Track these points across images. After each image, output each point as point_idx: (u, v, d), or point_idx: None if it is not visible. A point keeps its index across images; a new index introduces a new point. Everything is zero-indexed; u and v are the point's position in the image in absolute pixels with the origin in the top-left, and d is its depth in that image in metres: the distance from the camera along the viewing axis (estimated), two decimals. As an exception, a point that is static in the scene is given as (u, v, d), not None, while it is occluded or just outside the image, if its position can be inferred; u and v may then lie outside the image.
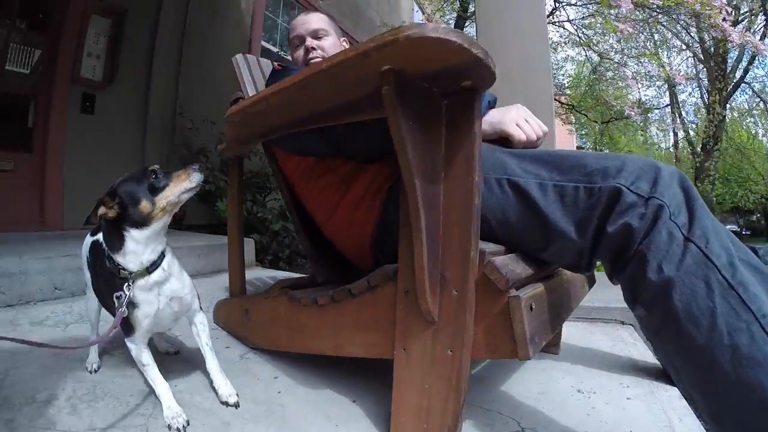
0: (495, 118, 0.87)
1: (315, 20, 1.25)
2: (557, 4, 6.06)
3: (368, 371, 1.06)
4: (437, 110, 0.68)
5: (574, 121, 8.40)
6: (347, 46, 1.32)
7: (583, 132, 16.08)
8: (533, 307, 0.63)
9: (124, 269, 0.77)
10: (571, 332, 1.55)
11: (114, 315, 0.78)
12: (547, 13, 6.19)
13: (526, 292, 0.64)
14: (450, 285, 0.66)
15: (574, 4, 5.99)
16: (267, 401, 0.94)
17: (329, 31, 1.26)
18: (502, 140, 0.86)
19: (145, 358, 0.83)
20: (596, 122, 8.44)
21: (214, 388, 0.92)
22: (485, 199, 0.74)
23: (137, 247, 0.77)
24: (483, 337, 0.66)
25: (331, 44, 1.25)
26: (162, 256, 0.82)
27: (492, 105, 0.92)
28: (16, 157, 2.69)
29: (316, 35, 1.23)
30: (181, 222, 3.19)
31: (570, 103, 8.03)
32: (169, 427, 0.78)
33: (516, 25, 2.11)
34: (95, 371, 1.00)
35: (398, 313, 0.75)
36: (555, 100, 8.18)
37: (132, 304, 0.78)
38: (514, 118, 0.87)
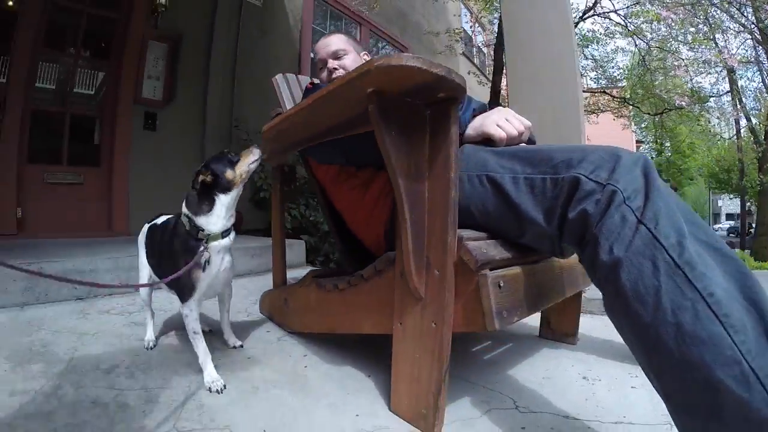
0: (478, 122, 0.97)
1: (335, 42, 1.39)
2: None
3: (386, 350, 1.19)
4: (422, 119, 0.80)
5: (629, 113, 7.95)
6: (368, 58, 1.46)
7: (643, 125, 15.07)
8: (501, 285, 0.73)
9: (203, 231, 0.99)
10: (593, 324, 1.58)
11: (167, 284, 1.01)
12: (591, 5, 6.00)
13: (496, 272, 0.74)
14: (433, 266, 0.78)
15: None
16: (294, 373, 1.09)
17: (348, 49, 1.39)
18: (487, 141, 0.95)
19: (197, 326, 1.03)
20: (648, 114, 7.93)
21: (224, 340, 1.26)
22: (469, 193, 0.85)
23: (222, 210, 1.01)
24: (462, 312, 0.76)
25: (352, 61, 1.38)
26: (232, 228, 1.05)
27: (479, 111, 1.01)
28: (86, 172, 3.10)
29: (336, 56, 1.37)
30: (239, 226, 3.49)
31: (621, 95, 7.63)
32: (210, 389, 0.96)
33: (541, 24, 2.14)
34: (151, 348, 1.19)
35: (396, 292, 0.87)
36: (606, 93, 7.84)
37: (198, 265, 0.99)
38: (494, 120, 0.96)
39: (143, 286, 1.23)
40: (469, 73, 7.42)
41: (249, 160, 1.05)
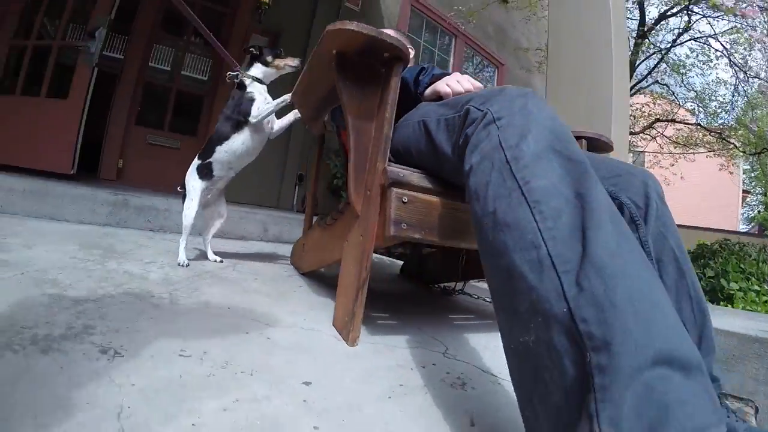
0: (433, 85, 1.15)
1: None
2: (689, 14, 5.48)
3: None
4: (376, 75, 1.01)
5: (727, 152, 7.09)
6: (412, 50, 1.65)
7: (753, 174, 13.10)
8: (405, 200, 0.90)
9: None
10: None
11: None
12: (684, 27, 5.65)
13: (402, 190, 0.91)
14: (366, 188, 0.97)
15: (708, 16, 5.35)
16: (283, 293, 1.33)
17: None
18: (440, 98, 1.12)
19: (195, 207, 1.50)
20: (743, 153, 6.98)
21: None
22: (410, 136, 1.02)
23: (263, 77, 1.60)
24: (380, 226, 0.94)
25: None
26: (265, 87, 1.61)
27: (439, 77, 1.17)
28: (183, 139, 3.75)
29: None
30: (314, 214, 3.89)
31: (717, 130, 6.90)
32: (178, 263, 1.40)
33: (582, 31, 2.21)
34: (186, 266, 1.46)
35: (348, 216, 1.08)
36: (700, 125, 7.17)
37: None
38: (445, 81, 1.12)
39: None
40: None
41: (287, 61, 1.60)
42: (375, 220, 0.95)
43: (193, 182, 1.53)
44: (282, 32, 3.97)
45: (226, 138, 1.51)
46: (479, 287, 2.03)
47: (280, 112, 1.60)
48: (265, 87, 1.59)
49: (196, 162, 1.57)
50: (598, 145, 1.66)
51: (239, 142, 1.52)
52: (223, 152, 1.52)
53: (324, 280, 1.60)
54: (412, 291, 1.83)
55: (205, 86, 3.93)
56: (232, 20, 3.81)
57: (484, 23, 5.62)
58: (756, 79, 5.84)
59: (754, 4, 3.69)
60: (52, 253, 1.33)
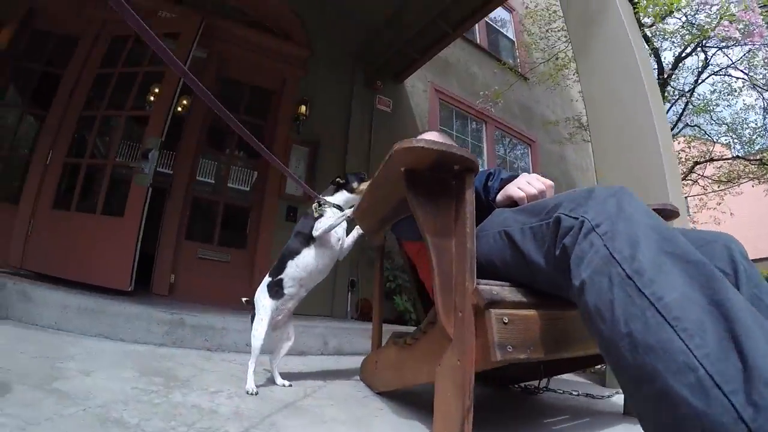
0: (504, 189, 1.12)
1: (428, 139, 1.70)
2: (704, 51, 5.52)
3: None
4: (448, 188, 0.99)
5: None
6: None
7: None
8: (506, 321, 0.82)
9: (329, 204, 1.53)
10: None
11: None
12: (703, 65, 5.67)
13: (501, 310, 0.84)
14: (457, 309, 0.91)
15: (723, 47, 5.37)
16: (362, 419, 1.22)
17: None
18: (513, 203, 1.08)
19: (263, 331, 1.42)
20: None
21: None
22: (492, 248, 0.98)
23: (344, 203, 1.55)
24: (480, 350, 0.86)
25: None
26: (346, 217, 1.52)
27: (508, 180, 1.15)
28: (233, 252, 3.80)
29: None
30: (368, 314, 3.81)
31: (757, 157, 6.64)
32: (247, 392, 1.31)
33: (617, 94, 2.20)
34: (254, 394, 1.36)
35: (437, 338, 1.00)
36: (739, 158, 6.92)
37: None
38: (516, 183, 1.09)
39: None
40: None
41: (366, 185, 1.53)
42: (472, 343, 0.87)
43: (264, 301, 1.48)
44: (320, 141, 4.16)
45: (297, 253, 1.49)
46: (561, 380, 1.85)
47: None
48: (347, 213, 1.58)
49: (266, 279, 1.53)
50: (665, 214, 1.57)
51: (310, 257, 1.49)
52: (294, 267, 1.48)
53: (402, 399, 1.47)
54: (491, 394, 1.68)
55: (250, 198, 4.06)
56: (272, 132, 4.03)
57: (509, 104, 5.81)
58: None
59: (761, 25, 3.72)
60: (112, 381, 1.28)
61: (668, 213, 1.57)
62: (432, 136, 1.72)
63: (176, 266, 3.49)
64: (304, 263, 1.49)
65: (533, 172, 1.15)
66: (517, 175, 1.17)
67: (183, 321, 2.08)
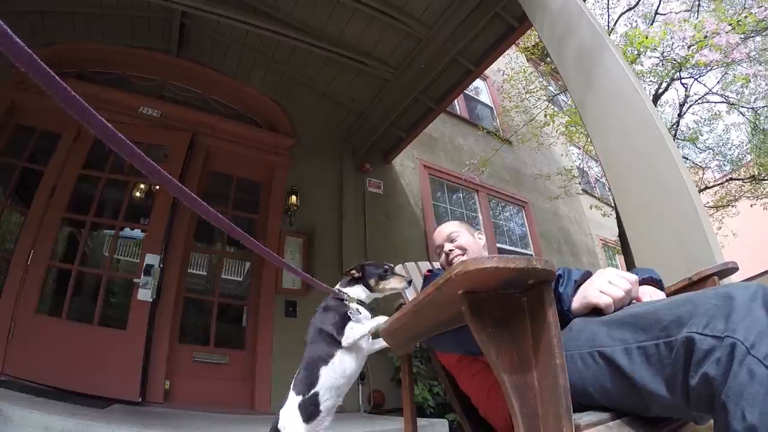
0: (581, 294, 0.92)
1: (447, 228, 1.56)
2: (682, 83, 5.76)
3: None
4: (519, 308, 0.79)
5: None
6: (482, 237, 1.63)
7: None
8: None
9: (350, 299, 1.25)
10: None
11: None
12: (684, 98, 5.86)
13: None
14: (557, 463, 0.67)
15: (698, 77, 5.61)
16: None
17: (461, 231, 1.54)
18: (595, 310, 0.89)
19: None
20: None
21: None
22: (583, 372, 0.78)
23: (360, 292, 1.29)
24: None
25: (466, 240, 1.52)
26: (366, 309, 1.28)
27: (581, 281, 0.96)
28: (231, 353, 3.47)
29: (450, 239, 1.52)
30: (380, 406, 3.54)
31: (750, 174, 6.78)
32: None
33: (637, 151, 2.09)
34: None
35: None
36: (733, 179, 7.03)
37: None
38: (597, 287, 0.89)
39: None
40: (591, 208, 7.29)
41: (393, 285, 1.29)
42: None
43: (297, 429, 1.13)
44: (314, 230, 4.03)
45: (331, 356, 1.19)
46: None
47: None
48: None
49: (295, 399, 1.17)
50: (727, 273, 1.41)
51: (349, 359, 1.21)
52: (331, 375, 1.18)
53: None
54: None
55: (245, 293, 3.84)
56: (264, 225, 3.89)
57: (498, 170, 5.90)
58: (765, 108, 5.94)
59: (738, 42, 3.89)
60: None
61: (730, 271, 1.40)
62: (450, 224, 1.59)
63: (171, 371, 3.13)
64: (342, 368, 1.19)
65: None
66: (590, 273, 0.98)
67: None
